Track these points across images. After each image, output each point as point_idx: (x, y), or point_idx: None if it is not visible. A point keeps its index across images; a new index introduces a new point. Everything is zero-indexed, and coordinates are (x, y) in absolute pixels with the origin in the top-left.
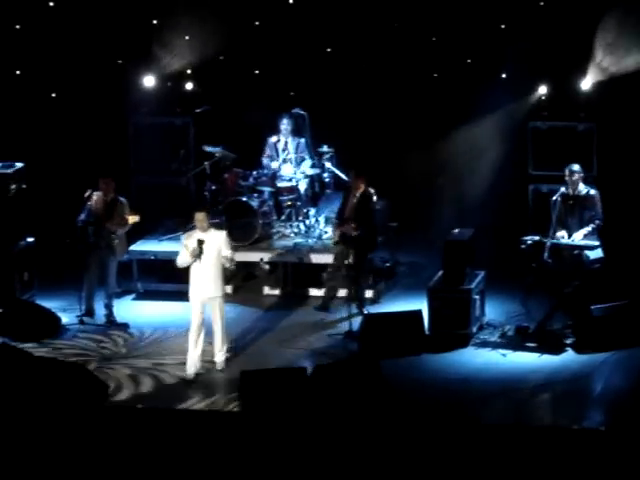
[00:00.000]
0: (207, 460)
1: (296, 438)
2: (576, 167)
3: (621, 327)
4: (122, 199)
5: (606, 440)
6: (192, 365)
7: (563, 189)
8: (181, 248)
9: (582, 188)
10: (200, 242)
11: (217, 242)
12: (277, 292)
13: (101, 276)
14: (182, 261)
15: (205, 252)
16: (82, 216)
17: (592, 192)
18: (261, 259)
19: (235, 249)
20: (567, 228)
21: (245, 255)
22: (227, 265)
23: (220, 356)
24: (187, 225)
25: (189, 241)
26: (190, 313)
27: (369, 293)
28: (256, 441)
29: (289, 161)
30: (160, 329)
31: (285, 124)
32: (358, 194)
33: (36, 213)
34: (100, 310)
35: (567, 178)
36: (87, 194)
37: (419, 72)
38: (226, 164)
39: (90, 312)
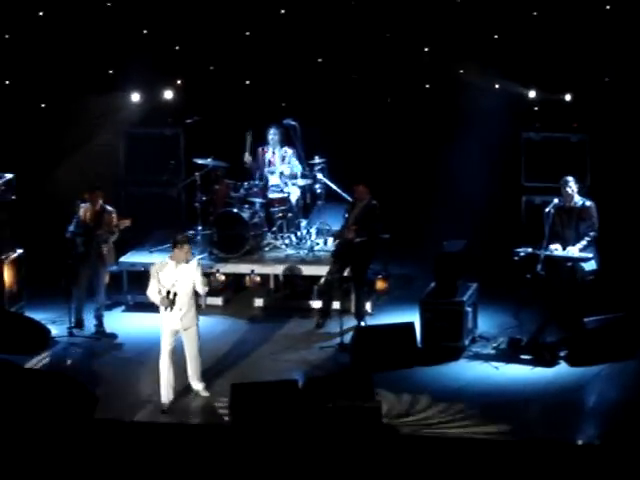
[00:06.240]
0: (197, 474)
1: (287, 452)
2: (570, 179)
3: (615, 340)
4: (110, 208)
5: (600, 454)
6: (166, 393)
7: (556, 200)
8: (152, 280)
9: (578, 200)
10: (169, 293)
11: (189, 273)
12: (268, 304)
13: (90, 287)
14: (152, 297)
15: (177, 287)
16: (71, 227)
17: (588, 203)
18: (252, 271)
19: (226, 261)
20: (563, 240)
21: (236, 267)
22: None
23: (199, 384)
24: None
25: (161, 275)
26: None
27: (368, 306)
28: (247, 455)
29: (275, 172)
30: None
31: (272, 134)
32: (362, 204)
33: (26, 224)
34: (90, 321)
35: (562, 190)
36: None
37: (411, 82)
38: (217, 175)
39: (80, 324)
